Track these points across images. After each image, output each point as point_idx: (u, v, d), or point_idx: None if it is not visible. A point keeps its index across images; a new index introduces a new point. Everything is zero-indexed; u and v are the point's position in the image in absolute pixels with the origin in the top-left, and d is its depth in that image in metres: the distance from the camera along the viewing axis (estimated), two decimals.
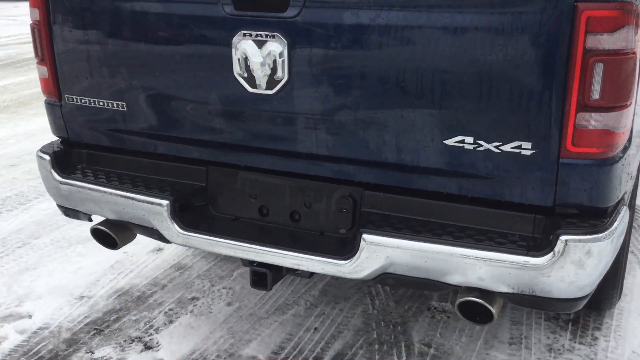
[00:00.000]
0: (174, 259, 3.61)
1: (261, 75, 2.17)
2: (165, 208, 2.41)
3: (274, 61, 2.13)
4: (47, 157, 2.65)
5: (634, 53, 1.82)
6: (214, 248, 2.40)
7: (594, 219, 1.99)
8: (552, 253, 1.93)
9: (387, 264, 2.12)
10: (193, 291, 3.29)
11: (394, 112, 2.06)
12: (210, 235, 2.39)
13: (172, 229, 2.41)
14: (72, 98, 2.58)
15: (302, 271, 2.37)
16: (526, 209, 2.06)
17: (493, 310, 2.08)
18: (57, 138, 2.81)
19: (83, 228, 3.92)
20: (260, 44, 2.14)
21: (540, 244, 2.01)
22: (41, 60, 2.60)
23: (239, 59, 2.19)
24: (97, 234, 2.64)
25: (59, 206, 2.78)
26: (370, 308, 3.13)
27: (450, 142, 2.02)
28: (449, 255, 2.04)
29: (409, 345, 2.84)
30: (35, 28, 2.57)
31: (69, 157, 2.70)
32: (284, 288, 3.30)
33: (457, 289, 2.18)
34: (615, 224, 1.97)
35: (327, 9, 2.06)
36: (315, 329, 2.97)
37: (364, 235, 2.12)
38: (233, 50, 2.19)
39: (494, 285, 2.04)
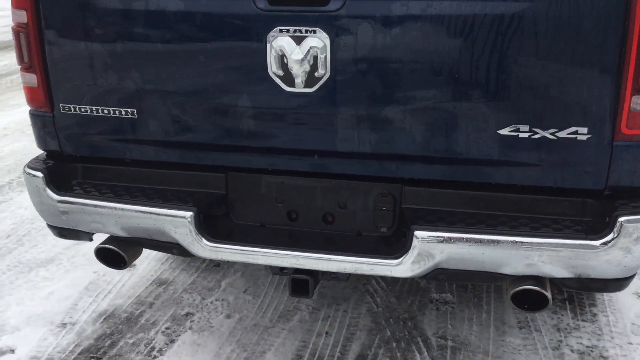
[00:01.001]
0: (151, 274, 3.41)
1: (300, 72, 2.07)
2: (189, 220, 2.25)
3: (315, 57, 2.04)
4: (40, 175, 2.40)
5: None
6: (248, 258, 2.27)
7: (637, 200, 2.05)
8: (612, 234, 1.96)
9: (441, 260, 2.09)
10: (185, 306, 3.12)
11: (446, 104, 2.03)
12: (244, 246, 2.25)
13: (198, 241, 2.26)
14: (69, 107, 2.35)
15: (341, 274, 2.29)
16: (575, 194, 2.09)
17: (549, 296, 2.09)
18: (42, 152, 2.56)
19: (38, 249, 3.65)
20: (299, 40, 2.05)
21: (594, 227, 2.04)
22: (28, 68, 2.35)
23: (274, 57, 2.07)
24: (103, 253, 2.43)
25: (52, 227, 2.53)
26: (374, 306, 3.09)
27: (504, 131, 2.02)
28: (509, 246, 2.03)
29: (425, 340, 2.83)
30: (20, 32, 2.32)
31: (63, 173, 2.46)
32: (279, 294, 3.20)
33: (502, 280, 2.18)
34: None
35: (372, 0, 1.98)
36: (327, 333, 2.90)
37: (416, 232, 2.07)
38: (268, 48, 2.07)
39: (553, 271, 2.06)
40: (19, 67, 2.45)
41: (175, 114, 2.27)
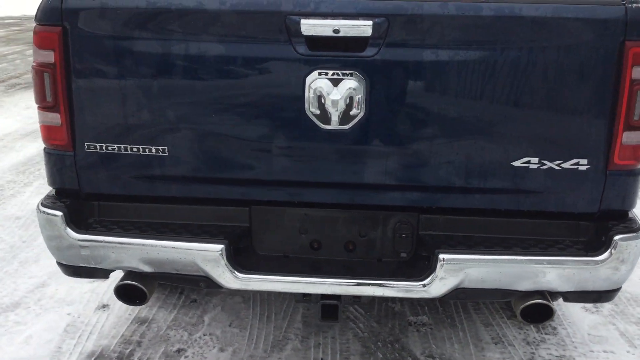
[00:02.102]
0: (128, 313, 3.39)
1: (335, 112, 2.25)
2: (221, 253, 2.34)
3: (351, 98, 2.24)
4: (59, 214, 2.41)
5: None
6: (280, 287, 2.39)
7: (624, 221, 2.40)
8: (609, 251, 2.29)
9: (462, 280, 2.32)
10: (174, 343, 3.14)
11: (468, 141, 2.29)
12: (276, 275, 2.38)
13: (229, 273, 2.35)
14: (94, 146, 2.38)
15: (364, 297, 2.47)
16: (572, 217, 2.40)
17: (555, 308, 2.38)
18: (51, 189, 2.55)
19: (1, 293, 3.51)
20: (336, 82, 2.23)
21: (591, 246, 2.36)
22: (51, 107, 2.37)
23: (312, 97, 2.24)
24: (123, 290, 2.45)
25: (65, 265, 2.52)
26: (359, 331, 3.26)
27: (517, 163, 2.30)
28: (523, 264, 2.30)
29: (416, 359, 3.04)
30: (45, 72, 2.33)
31: (81, 211, 2.48)
32: (264, 325, 3.30)
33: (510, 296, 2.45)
34: None
35: (405, 48, 2.22)
36: (323, 359, 3.03)
37: (441, 255, 2.30)
38: (306, 89, 2.24)
39: (559, 286, 2.35)
40: (38, 106, 2.44)
41: (207, 151, 2.36)
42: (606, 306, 3.55)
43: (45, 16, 2.30)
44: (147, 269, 2.43)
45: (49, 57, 2.31)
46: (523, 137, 2.27)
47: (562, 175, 2.31)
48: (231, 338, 3.19)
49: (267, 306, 3.48)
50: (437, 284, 2.32)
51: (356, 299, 2.51)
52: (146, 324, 3.28)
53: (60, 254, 2.47)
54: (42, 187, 5.16)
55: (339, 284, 2.36)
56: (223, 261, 2.34)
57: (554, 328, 3.34)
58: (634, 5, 2.18)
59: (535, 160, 2.29)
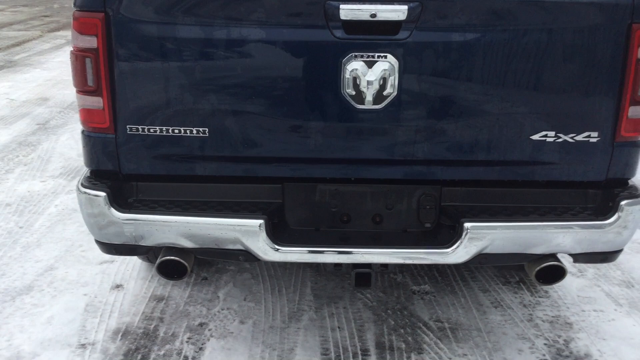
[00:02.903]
0: (144, 292, 3.49)
1: (370, 92, 2.42)
2: (261, 227, 2.49)
3: (384, 79, 2.40)
4: (103, 194, 2.50)
5: None
6: (317, 258, 2.56)
7: (627, 188, 2.65)
8: (617, 215, 2.54)
9: (485, 246, 2.53)
10: (195, 317, 3.27)
11: (492, 117, 2.48)
12: (312, 247, 2.54)
13: (268, 246, 2.50)
14: (136, 128, 2.48)
15: (391, 265, 2.65)
16: (581, 185, 2.64)
17: (567, 269, 2.62)
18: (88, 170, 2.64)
19: (9, 279, 3.60)
20: (370, 64, 2.39)
21: (600, 211, 2.60)
22: (93, 92, 2.45)
23: (347, 78, 2.40)
24: (165, 266, 2.58)
25: (105, 244, 2.62)
26: (368, 301, 3.46)
27: (536, 137, 2.52)
28: (541, 229, 2.53)
29: (426, 324, 3.26)
30: (87, 57, 2.41)
31: (122, 191, 2.58)
32: (277, 298, 3.46)
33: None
34: None
35: (435, 31, 2.39)
36: (339, 327, 3.22)
37: (466, 224, 2.50)
38: (342, 71, 2.39)
39: (571, 248, 2.58)
40: (76, 90, 2.52)
41: (244, 131, 2.49)
42: (589, 270, 3.84)
43: (87, 2, 2.38)
44: (188, 244, 2.54)
45: (92, 42, 2.38)
46: (541, 113, 2.48)
47: (575, 147, 2.53)
48: (248, 311, 3.33)
49: (276, 281, 3.63)
50: (462, 251, 2.52)
51: (384, 267, 2.68)
52: (164, 301, 3.39)
53: (102, 232, 2.56)
54: (25, 174, 5.16)
55: (371, 253, 2.53)
56: (263, 235, 2.48)
57: (546, 292, 3.61)
58: None
59: (552, 134, 2.51)
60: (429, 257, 2.55)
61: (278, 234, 2.55)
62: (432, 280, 3.69)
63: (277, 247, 2.50)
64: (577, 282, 3.70)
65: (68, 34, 13.41)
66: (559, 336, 3.18)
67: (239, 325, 3.20)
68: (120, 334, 3.10)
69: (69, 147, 5.91)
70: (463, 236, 2.49)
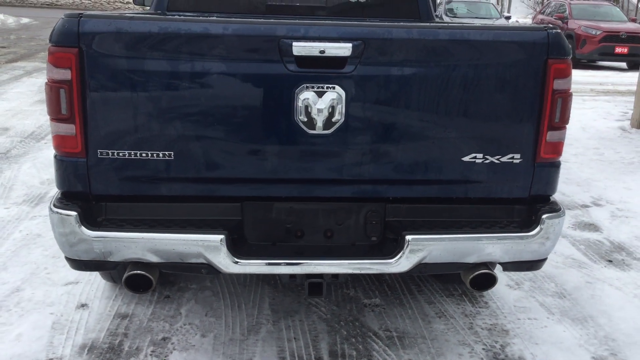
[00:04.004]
0: (108, 310, 3.68)
1: (320, 118, 2.71)
2: (222, 242, 2.73)
3: (333, 107, 2.70)
4: (74, 213, 2.71)
5: (571, 92, 2.86)
6: (273, 270, 2.81)
7: (549, 204, 2.98)
8: (539, 227, 2.86)
9: (424, 256, 2.82)
10: (158, 332, 3.47)
11: (428, 141, 2.79)
12: (269, 259, 2.79)
13: (229, 259, 2.74)
14: (106, 153, 2.71)
15: (342, 275, 2.93)
16: (508, 202, 2.96)
17: (497, 276, 2.93)
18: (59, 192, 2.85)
19: None
20: (320, 94, 2.69)
21: (524, 224, 2.92)
22: (66, 119, 2.67)
23: (299, 107, 2.69)
24: (132, 280, 2.79)
25: (75, 260, 2.82)
26: (322, 314, 3.71)
27: (466, 158, 2.83)
28: (473, 241, 2.84)
29: (375, 333, 3.52)
30: (61, 88, 2.64)
31: (91, 211, 2.80)
32: (236, 314, 3.68)
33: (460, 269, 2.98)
34: (561, 206, 3.00)
35: (376, 65, 2.70)
36: (295, 338, 3.46)
37: (407, 237, 2.80)
38: (295, 100, 2.68)
39: (500, 257, 2.89)
40: (50, 117, 2.75)
41: (207, 155, 2.74)
42: (525, 283, 4.17)
43: (62, 39, 2.61)
44: (154, 259, 2.77)
45: (66, 74, 2.62)
46: (471, 137, 2.80)
47: (500, 168, 2.86)
48: (209, 326, 3.54)
49: (236, 297, 3.86)
50: (405, 261, 2.80)
51: (334, 278, 2.95)
52: (128, 319, 3.58)
53: (72, 250, 2.77)
54: None
55: (322, 264, 2.80)
56: (224, 249, 2.72)
57: (486, 302, 3.92)
58: (554, 31, 2.77)
59: (480, 155, 2.83)
60: (375, 267, 2.82)
61: (237, 249, 2.79)
62: (382, 294, 3.96)
63: (236, 260, 2.74)
64: (514, 293, 4.02)
65: (26, 64, 13.50)
66: (496, 342, 3.48)
67: (200, 338, 3.41)
68: (87, 349, 3.27)
69: (31, 175, 6.05)
70: (405, 248, 2.78)
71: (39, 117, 8.51)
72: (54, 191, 5.23)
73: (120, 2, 36.83)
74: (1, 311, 3.60)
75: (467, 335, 3.52)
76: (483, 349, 3.40)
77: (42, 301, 3.73)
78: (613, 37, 16.79)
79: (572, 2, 19.39)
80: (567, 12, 18.62)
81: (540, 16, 21.15)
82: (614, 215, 5.60)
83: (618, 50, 16.73)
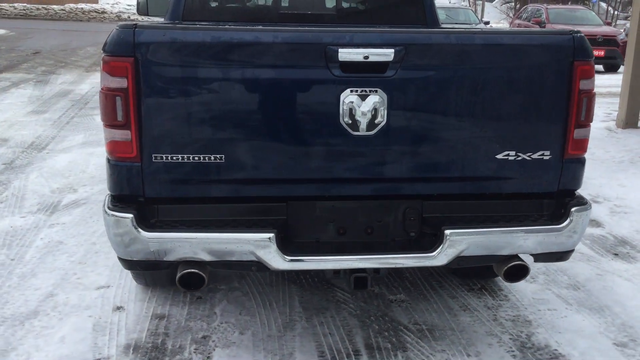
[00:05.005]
0: (144, 312, 3.78)
1: (363, 121, 2.86)
2: (271, 240, 2.87)
3: (375, 109, 2.85)
4: (130, 216, 2.83)
5: (594, 92, 3.05)
6: (321, 265, 2.95)
7: (575, 198, 3.16)
8: (569, 219, 3.04)
9: (462, 249, 2.98)
10: (198, 331, 3.58)
11: (463, 140, 2.96)
12: (317, 256, 2.93)
13: (279, 257, 2.88)
14: (160, 157, 2.83)
15: (383, 270, 3.08)
16: (537, 196, 3.14)
17: (530, 267, 3.10)
18: (112, 194, 2.95)
19: (13, 305, 3.80)
20: (363, 97, 2.84)
21: (554, 217, 3.10)
22: (122, 125, 2.79)
23: (344, 110, 2.84)
24: (185, 278, 2.91)
25: (129, 261, 2.93)
26: (351, 310, 3.85)
27: (500, 156, 3.00)
28: (508, 234, 3.00)
29: (406, 327, 3.67)
30: (117, 95, 2.76)
31: (145, 213, 2.91)
32: (269, 312, 3.81)
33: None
34: (587, 199, 3.18)
35: (416, 69, 2.86)
36: (330, 333, 3.59)
37: (446, 231, 2.95)
38: (340, 103, 2.83)
39: (533, 249, 3.06)
40: (104, 124, 2.86)
41: (255, 157, 2.87)
42: (540, 277, 4.35)
43: (118, 49, 2.73)
44: (207, 257, 2.89)
45: (122, 83, 2.74)
46: (504, 136, 2.97)
47: (531, 164, 3.03)
48: (245, 324, 3.66)
49: (266, 297, 3.98)
50: (444, 254, 2.95)
51: (376, 272, 3.09)
52: (165, 319, 3.69)
53: (126, 250, 2.88)
54: (4, 211, 5.34)
55: (369, 259, 2.94)
56: (274, 247, 2.86)
57: (505, 295, 4.09)
58: (579, 34, 2.95)
59: (513, 153, 3.00)
60: (416, 261, 2.98)
61: (285, 246, 2.93)
62: (405, 290, 4.11)
63: (286, 257, 2.87)
64: (530, 286, 4.19)
65: (11, 76, 13.46)
66: (521, 332, 3.65)
67: (239, 335, 3.53)
68: (132, 349, 3.37)
69: (40, 184, 6.11)
70: (444, 242, 2.93)
71: (36, 128, 8.55)
72: (67, 200, 5.35)
73: (96, 11, 36.64)
74: (40, 315, 3.68)
75: (493, 327, 3.68)
76: (510, 338, 3.57)
77: (78, 305, 3.82)
78: (590, 41, 17.13)
79: (548, 7, 19.82)
80: (545, 16, 19.03)
81: (518, 21, 21.57)
82: (613, 211, 5.82)
83: (595, 53, 17.09)
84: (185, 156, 2.82)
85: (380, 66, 2.81)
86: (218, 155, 2.84)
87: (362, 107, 2.81)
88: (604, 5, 43.35)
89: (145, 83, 2.74)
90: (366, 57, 2.76)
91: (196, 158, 2.83)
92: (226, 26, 2.86)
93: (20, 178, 6.28)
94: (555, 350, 3.47)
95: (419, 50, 2.82)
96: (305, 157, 2.90)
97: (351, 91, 2.80)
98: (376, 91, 2.82)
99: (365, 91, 2.81)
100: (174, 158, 2.82)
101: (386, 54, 2.77)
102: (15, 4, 34.02)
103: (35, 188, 5.99)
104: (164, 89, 2.76)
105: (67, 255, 4.48)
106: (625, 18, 42.30)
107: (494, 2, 50.15)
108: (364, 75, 2.82)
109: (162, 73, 2.75)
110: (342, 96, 2.80)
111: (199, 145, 2.82)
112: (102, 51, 2.82)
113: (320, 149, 2.89)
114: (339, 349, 3.41)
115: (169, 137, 2.80)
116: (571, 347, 3.49)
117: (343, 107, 2.81)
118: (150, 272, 3.51)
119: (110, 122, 2.79)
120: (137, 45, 2.71)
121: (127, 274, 4.16)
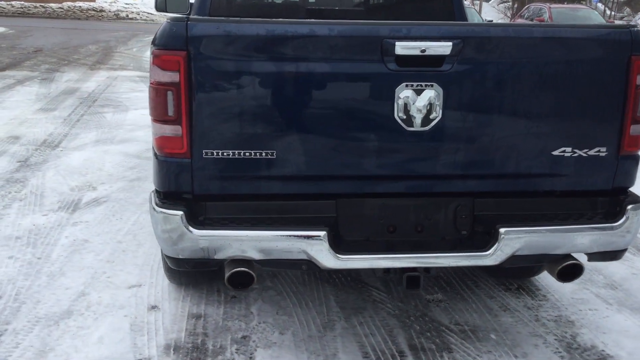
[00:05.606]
0: (180, 312, 3.70)
1: (419, 116, 2.79)
2: (324, 238, 2.80)
3: (431, 104, 2.78)
4: (180, 213, 2.75)
5: None
6: (373, 264, 2.88)
7: (629, 195, 3.10)
8: (624, 217, 2.98)
9: (518, 248, 2.91)
10: (237, 331, 3.51)
11: (518, 136, 2.89)
12: (369, 254, 2.86)
13: (331, 255, 2.81)
14: (211, 153, 2.75)
15: (434, 269, 3.01)
16: (592, 194, 3.07)
17: (584, 266, 3.04)
18: (160, 191, 2.87)
19: (46, 305, 3.72)
20: (419, 92, 2.77)
21: (609, 215, 3.04)
22: (173, 121, 2.71)
23: (399, 105, 2.77)
24: (234, 277, 2.83)
25: (176, 259, 2.85)
26: (390, 310, 3.78)
27: (556, 152, 2.94)
28: (564, 232, 2.94)
29: (448, 327, 3.61)
30: (168, 90, 2.68)
31: (194, 210, 2.84)
32: (305, 312, 3.73)
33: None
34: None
35: (472, 63, 2.80)
36: (372, 333, 3.52)
37: (502, 230, 2.88)
38: (395, 98, 2.76)
39: (588, 248, 2.99)
40: (153, 119, 2.78)
41: (307, 152, 2.80)
42: None
43: (170, 42, 2.65)
44: (257, 256, 2.81)
45: (174, 77, 2.66)
46: (561, 132, 2.90)
47: (587, 161, 2.96)
48: (284, 324, 3.59)
49: (301, 296, 3.91)
50: (499, 253, 2.89)
51: (426, 271, 3.02)
52: (202, 319, 3.62)
53: (174, 248, 2.80)
54: (24, 209, 5.26)
55: (424, 258, 2.87)
56: (326, 245, 2.78)
57: (544, 295, 4.03)
58: (636, 29, 2.89)
59: (569, 149, 2.93)
60: (470, 260, 2.91)
61: (335, 244, 2.85)
62: (441, 289, 4.04)
63: (338, 255, 2.80)
64: (567, 286, 4.13)
65: (15, 73, 13.35)
66: (565, 332, 3.59)
67: (279, 336, 3.46)
68: (172, 349, 3.30)
69: (58, 182, 6.01)
70: (499, 240, 2.86)
71: (47, 126, 8.44)
72: (87, 198, 5.27)
73: (94, 10, 36.47)
74: (74, 316, 3.60)
75: (536, 327, 3.62)
76: (555, 339, 3.50)
77: (111, 304, 3.74)
78: None
79: (551, 6, 19.80)
80: (548, 15, 19.01)
81: (520, 20, 21.54)
82: None
83: None
84: (237, 152, 2.75)
85: (437, 60, 2.74)
86: (270, 151, 2.77)
87: (418, 102, 2.75)
88: (600, 5, 43.38)
89: (197, 77, 2.66)
90: (423, 51, 2.69)
91: (247, 154, 2.76)
92: (282, 19, 2.78)
93: (37, 176, 6.19)
94: (603, 351, 3.41)
95: (476, 44, 2.76)
96: (356, 153, 2.83)
97: (406, 86, 2.73)
98: (432, 85, 2.75)
99: (421, 85, 2.74)
100: (225, 154, 2.75)
101: (444, 47, 2.70)
102: (13, 2, 33.79)
103: (54, 186, 5.90)
104: (216, 83, 2.69)
105: (94, 253, 4.40)
106: (621, 18, 42.34)
107: (490, 2, 50.16)
108: (419, 70, 2.75)
109: (215, 67, 2.67)
110: (397, 91, 2.73)
111: (250, 140, 2.75)
112: (151, 45, 2.74)
113: (372, 145, 2.82)
114: (382, 350, 3.34)
115: (220, 132, 2.73)
116: (618, 348, 3.43)
117: (398, 102, 2.74)
118: (185, 271, 3.42)
119: (161, 117, 2.71)
120: (190, 39, 2.63)
121: (157, 273, 4.09)
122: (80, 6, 35.23)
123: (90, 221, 5.00)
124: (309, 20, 2.89)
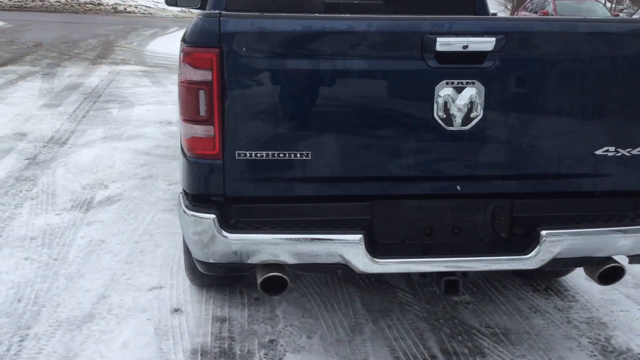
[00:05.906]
0: (204, 315, 3.61)
1: (459, 115, 2.69)
2: (360, 241, 2.70)
3: (472, 102, 2.68)
4: (212, 216, 2.65)
5: None
6: (411, 268, 2.78)
7: None
8: None
9: (559, 251, 2.82)
10: (264, 335, 3.42)
11: (561, 135, 2.79)
12: (406, 258, 2.77)
13: (368, 259, 2.71)
14: (244, 154, 2.65)
15: (472, 272, 2.91)
16: (633, 194, 2.98)
17: (625, 268, 2.95)
18: (190, 193, 2.77)
19: (66, 309, 3.63)
20: (460, 90, 2.67)
21: None
22: (205, 121, 2.61)
23: (439, 103, 2.67)
24: (268, 282, 2.74)
25: (207, 263, 2.76)
26: (417, 312, 3.69)
27: (599, 152, 2.84)
28: (607, 235, 2.84)
29: (479, 330, 3.52)
30: (200, 89, 2.58)
31: (226, 213, 2.74)
32: (331, 314, 3.64)
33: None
34: None
35: (515, 60, 2.70)
36: (402, 337, 3.43)
37: (543, 232, 2.79)
38: (435, 96, 2.66)
39: (632, 250, 2.90)
40: (183, 119, 2.68)
41: (343, 153, 2.71)
42: None
43: (202, 39, 2.55)
44: (291, 260, 2.72)
45: (206, 75, 2.55)
46: (604, 130, 2.80)
47: (630, 160, 2.87)
48: (311, 327, 3.50)
49: (325, 298, 3.82)
50: (540, 256, 2.79)
51: (464, 275, 2.93)
52: (227, 322, 3.52)
53: (205, 252, 2.70)
54: (37, 208, 5.16)
55: (465, 262, 2.78)
56: (362, 248, 2.69)
57: (573, 296, 3.94)
58: None
59: (612, 149, 2.84)
60: (510, 263, 2.81)
61: (371, 247, 2.76)
62: (468, 291, 3.95)
63: (375, 259, 2.71)
64: (597, 287, 4.04)
65: (17, 68, 13.20)
66: (599, 334, 3.50)
67: (307, 340, 3.37)
68: (199, 354, 3.21)
69: (69, 180, 5.91)
70: (540, 243, 2.77)
71: (53, 122, 8.33)
72: (100, 196, 5.17)
73: (92, 3, 36.24)
74: (96, 319, 3.51)
75: (569, 329, 3.54)
76: (589, 342, 3.42)
77: (133, 307, 3.65)
78: None
79: None
80: (552, 8, 18.89)
81: (523, 12, 21.41)
82: None
83: None
84: (270, 153, 2.65)
85: (479, 56, 2.64)
86: (305, 152, 2.66)
87: (458, 100, 2.65)
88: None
89: (230, 75, 2.56)
90: (465, 47, 2.59)
91: (281, 155, 2.66)
92: (319, 15, 2.67)
93: (47, 174, 6.08)
94: (639, 354, 3.31)
95: (519, 39, 2.66)
96: (393, 153, 2.73)
97: (447, 83, 2.63)
98: (473, 83, 2.65)
99: (462, 83, 2.64)
100: (258, 155, 2.65)
101: (487, 43, 2.60)
102: None
103: (65, 184, 5.80)
104: (250, 82, 2.58)
105: (111, 254, 4.30)
106: (621, 11, 42.17)
107: None
108: (460, 66, 2.65)
109: (248, 64, 2.57)
110: (437, 89, 2.63)
111: (284, 141, 2.65)
112: (181, 42, 2.64)
113: (410, 145, 2.72)
114: (414, 354, 3.26)
115: (254, 132, 2.62)
116: None
117: (438, 101, 2.64)
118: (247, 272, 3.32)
119: (192, 117, 2.61)
120: (223, 36, 2.53)
121: (178, 275, 4.00)
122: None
123: (105, 220, 4.90)
124: (346, 15, 2.78)
